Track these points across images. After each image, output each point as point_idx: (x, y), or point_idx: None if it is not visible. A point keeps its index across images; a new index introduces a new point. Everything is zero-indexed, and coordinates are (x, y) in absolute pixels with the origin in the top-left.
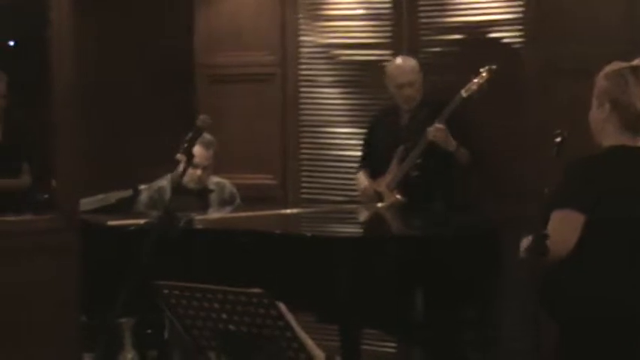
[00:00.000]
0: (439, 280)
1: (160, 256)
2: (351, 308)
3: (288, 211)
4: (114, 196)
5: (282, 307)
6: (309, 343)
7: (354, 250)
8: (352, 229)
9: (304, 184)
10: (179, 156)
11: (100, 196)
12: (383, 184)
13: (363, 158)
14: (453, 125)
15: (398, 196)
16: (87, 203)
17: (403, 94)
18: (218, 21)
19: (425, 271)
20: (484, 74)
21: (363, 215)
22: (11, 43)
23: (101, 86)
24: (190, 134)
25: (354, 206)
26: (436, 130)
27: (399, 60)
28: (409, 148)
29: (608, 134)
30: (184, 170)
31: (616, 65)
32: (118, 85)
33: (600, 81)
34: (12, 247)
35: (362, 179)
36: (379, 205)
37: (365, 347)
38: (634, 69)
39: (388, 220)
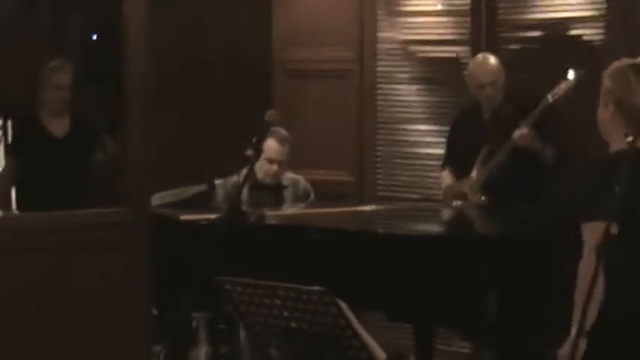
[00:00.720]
0: (516, 280)
1: (229, 250)
2: (425, 307)
3: (363, 208)
4: (191, 191)
5: (343, 305)
6: (371, 342)
7: (430, 249)
8: (429, 227)
9: (380, 182)
10: (248, 151)
11: (178, 190)
12: (467, 185)
13: (447, 157)
14: (539, 125)
15: (482, 197)
16: (164, 197)
17: (485, 94)
18: (296, 16)
19: (501, 270)
20: (571, 79)
21: (442, 213)
22: (94, 37)
23: (178, 81)
24: (260, 129)
25: (432, 204)
26: (521, 136)
27: (480, 59)
28: (493, 149)
29: (615, 135)
30: (253, 163)
31: (620, 63)
32: (195, 80)
33: (604, 80)
34: (82, 241)
35: (446, 178)
36: (459, 203)
37: (439, 347)
38: (636, 67)
39: (467, 219)
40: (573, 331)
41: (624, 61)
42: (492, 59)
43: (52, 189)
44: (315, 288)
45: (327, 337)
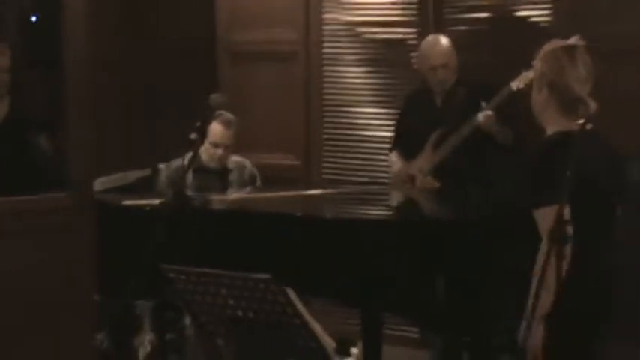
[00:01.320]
0: (464, 266)
1: (173, 236)
2: (372, 292)
3: (310, 192)
4: (133, 176)
5: (291, 293)
6: (319, 330)
7: (378, 233)
8: (377, 212)
9: (327, 165)
10: (192, 135)
11: (119, 175)
12: (415, 168)
13: (396, 139)
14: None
15: (432, 181)
16: (105, 182)
17: (437, 76)
18: None
19: (450, 256)
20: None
21: (390, 197)
22: (33, 18)
23: (122, 64)
24: (204, 112)
25: (379, 188)
26: (486, 117)
27: (431, 40)
28: (445, 132)
29: (550, 118)
30: (197, 148)
31: (551, 45)
32: (139, 63)
33: (537, 63)
34: (22, 228)
35: (395, 160)
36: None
37: (388, 332)
38: (568, 49)
39: (415, 204)
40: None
41: (556, 43)
42: (444, 40)
43: None
44: (261, 275)
45: (275, 326)
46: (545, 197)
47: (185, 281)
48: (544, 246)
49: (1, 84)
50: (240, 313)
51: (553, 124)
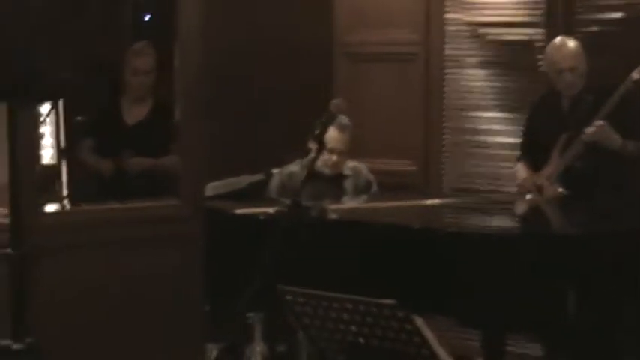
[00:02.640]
0: (595, 281)
1: (289, 248)
2: (498, 311)
3: (430, 201)
4: (245, 180)
5: (419, 320)
6: None
7: (502, 247)
8: (502, 224)
9: (447, 172)
10: (310, 143)
11: (231, 180)
12: (543, 177)
13: (523, 147)
14: (622, 112)
15: (559, 190)
16: (217, 187)
17: (564, 80)
18: None
19: (581, 270)
20: None
21: (515, 208)
22: (147, 18)
23: (237, 67)
24: (323, 119)
25: (503, 197)
26: (594, 130)
27: (559, 42)
28: (572, 138)
29: None
30: (315, 158)
31: None
32: (253, 65)
33: None
34: (133, 235)
35: (521, 170)
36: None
37: (510, 348)
38: None
39: (542, 215)
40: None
41: None
42: (572, 43)
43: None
44: (387, 301)
45: (401, 356)
46: None
47: (303, 304)
48: None
49: (145, 85)
50: (362, 340)
51: None
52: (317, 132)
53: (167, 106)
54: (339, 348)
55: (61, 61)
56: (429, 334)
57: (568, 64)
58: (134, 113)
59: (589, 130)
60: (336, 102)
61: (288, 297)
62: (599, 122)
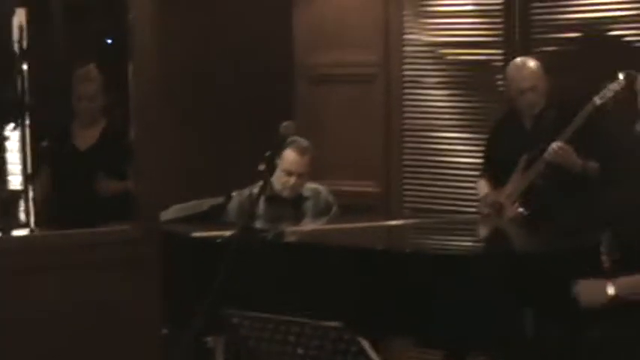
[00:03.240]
0: (554, 300)
1: (241, 272)
2: (457, 330)
3: (391, 222)
4: (207, 203)
5: (365, 343)
6: None
7: (463, 267)
8: (462, 244)
9: (408, 193)
10: (261, 166)
11: (193, 203)
12: (504, 194)
13: (485, 165)
14: (584, 134)
15: (520, 209)
16: (179, 210)
17: (525, 100)
18: (318, 18)
19: (538, 288)
20: (622, 80)
21: (476, 228)
22: (109, 41)
23: (197, 91)
24: (274, 141)
25: (464, 217)
26: (557, 151)
27: (519, 62)
28: (533, 157)
29: None
30: (265, 182)
31: None
32: (214, 89)
33: None
34: (88, 261)
35: (482, 187)
36: (492, 214)
37: None
38: None
39: (503, 234)
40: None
41: None
42: (532, 62)
43: (72, 205)
44: (333, 324)
45: None
46: None
47: (249, 327)
48: None
49: (90, 111)
50: None
51: None
52: (267, 154)
53: (120, 129)
54: None
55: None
56: (374, 357)
57: (529, 84)
58: (85, 138)
59: (550, 151)
60: (286, 124)
61: (234, 320)
62: (559, 144)
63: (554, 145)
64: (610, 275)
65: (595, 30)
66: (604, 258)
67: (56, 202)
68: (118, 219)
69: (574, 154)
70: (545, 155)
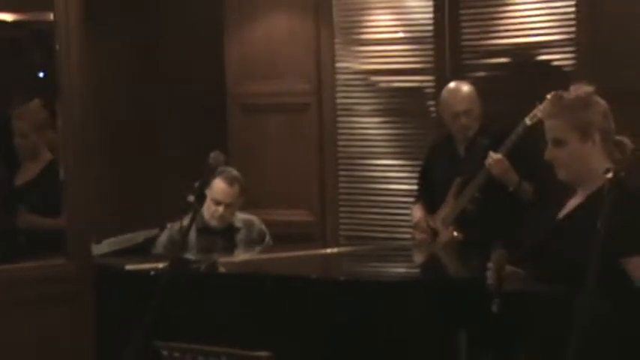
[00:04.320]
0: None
1: (172, 303)
2: (392, 355)
3: (324, 250)
4: (141, 235)
5: None
6: None
7: (399, 294)
8: (397, 271)
9: (343, 221)
10: (190, 198)
11: (128, 236)
12: (438, 219)
13: (420, 191)
14: (517, 157)
15: (454, 233)
16: (113, 243)
17: (459, 124)
18: (250, 47)
19: (472, 313)
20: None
21: (410, 253)
22: (41, 75)
23: (130, 121)
24: (202, 171)
25: (399, 244)
26: (495, 162)
27: (453, 86)
28: (466, 181)
29: (600, 167)
30: (194, 213)
31: (583, 89)
32: (145, 118)
33: (575, 112)
34: (20, 296)
35: (416, 212)
36: (425, 239)
37: None
38: (599, 92)
39: (436, 259)
40: None
41: (584, 88)
42: (466, 87)
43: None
44: (262, 354)
45: None
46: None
47: (179, 358)
48: None
49: (25, 148)
50: None
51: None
52: (197, 185)
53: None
54: None
55: None
56: None
57: (463, 107)
58: (24, 173)
59: (488, 162)
60: (214, 154)
61: (164, 352)
62: (497, 156)
63: (494, 156)
64: (496, 293)
65: (524, 55)
66: (489, 274)
67: None
68: (42, 255)
69: (511, 169)
70: (486, 165)
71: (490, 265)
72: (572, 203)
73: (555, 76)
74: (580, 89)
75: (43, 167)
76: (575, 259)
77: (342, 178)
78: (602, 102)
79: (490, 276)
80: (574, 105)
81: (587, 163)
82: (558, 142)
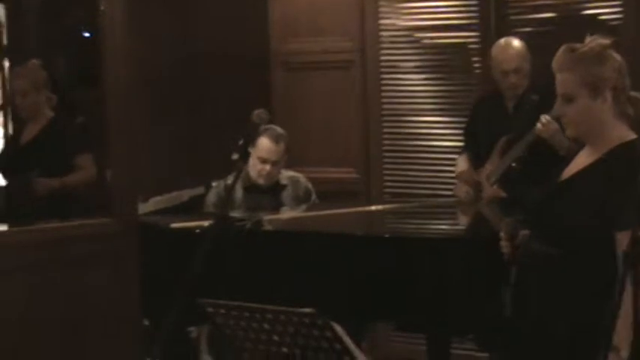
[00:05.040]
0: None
1: (219, 264)
2: (437, 315)
3: (370, 208)
4: (186, 194)
5: (338, 328)
6: None
7: (444, 251)
8: (441, 228)
9: (388, 178)
10: (234, 155)
11: (173, 194)
12: (483, 175)
13: (465, 142)
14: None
15: (498, 190)
16: (159, 201)
17: (508, 82)
18: (293, 5)
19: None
20: None
21: (455, 211)
22: (86, 35)
23: (172, 79)
24: (246, 130)
25: (444, 201)
26: (546, 125)
27: (503, 43)
28: (513, 139)
29: (614, 128)
30: (239, 171)
31: (596, 42)
32: (190, 77)
33: (587, 66)
34: (66, 255)
35: (461, 163)
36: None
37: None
38: (614, 45)
39: (480, 217)
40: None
41: (600, 40)
42: (516, 44)
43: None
44: (306, 310)
45: None
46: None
47: (225, 315)
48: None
49: (23, 107)
50: (285, 349)
51: (614, 134)
52: (240, 142)
53: (63, 123)
54: (262, 358)
55: None
56: (348, 341)
57: (513, 66)
58: (26, 133)
59: (538, 125)
60: (258, 112)
61: (210, 309)
62: (548, 118)
63: (544, 118)
64: (511, 263)
65: (571, 9)
66: (502, 243)
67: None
68: (61, 216)
69: (561, 131)
70: (534, 129)
71: (501, 234)
72: (580, 162)
73: (603, 30)
74: (595, 42)
75: (44, 125)
76: (575, 224)
77: (386, 136)
78: (618, 57)
79: (504, 245)
80: (586, 59)
81: (597, 121)
82: (568, 98)
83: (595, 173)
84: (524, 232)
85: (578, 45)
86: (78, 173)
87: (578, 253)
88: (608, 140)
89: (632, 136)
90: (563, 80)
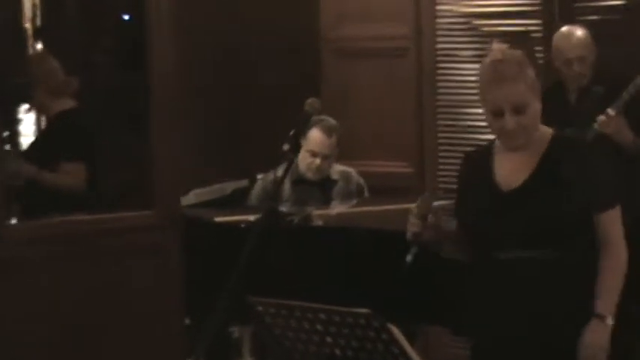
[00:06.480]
0: None
1: (268, 258)
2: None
3: None
4: (230, 187)
5: (395, 330)
6: None
7: None
8: None
9: (442, 173)
10: (285, 146)
11: (216, 187)
12: None
13: None
14: (633, 111)
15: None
16: (201, 194)
17: (571, 71)
18: None
19: None
20: None
21: None
22: (126, 17)
23: (220, 67)
24: (299, 120)
25: None
26: (607, 120)
27: (566, 31)
28: (575, 132)
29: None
30: (290, 162)
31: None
32: (237, 65)
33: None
34: (108, 247)
35: None
36: None
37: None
38: None
39: None
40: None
41: (510, 48)
42: (580, 32)
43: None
44: (361, 310)
45: None
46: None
47: (275, 315)
48: None
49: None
50: (338, 351)
51: (538, 133)
52: (292, 133)
53: (67, 118)
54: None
55: None
56: (405, 344)
57: (576, 54)
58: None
59: (601, 120)
60: (310, 101)
61: (259, 308)
62: (612, 112)
63: (608, 113)
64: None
65: None
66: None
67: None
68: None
69: (626, 126)
70: (595, 125)
71: (412, 208)
72: (520, 168)
73: None
74: (510, 49)
75: (50, 120)
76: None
77: (441, 128)
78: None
79: (412, 223)
80: (523, 64)
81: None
82: (520, 108)
83: (550, 171)
84: (436, 211)
85: (500, 55)
86: (59, 175)
87: (573, 249)
88: (539, 139)
89: (549, 130)
90: (510, 92)
